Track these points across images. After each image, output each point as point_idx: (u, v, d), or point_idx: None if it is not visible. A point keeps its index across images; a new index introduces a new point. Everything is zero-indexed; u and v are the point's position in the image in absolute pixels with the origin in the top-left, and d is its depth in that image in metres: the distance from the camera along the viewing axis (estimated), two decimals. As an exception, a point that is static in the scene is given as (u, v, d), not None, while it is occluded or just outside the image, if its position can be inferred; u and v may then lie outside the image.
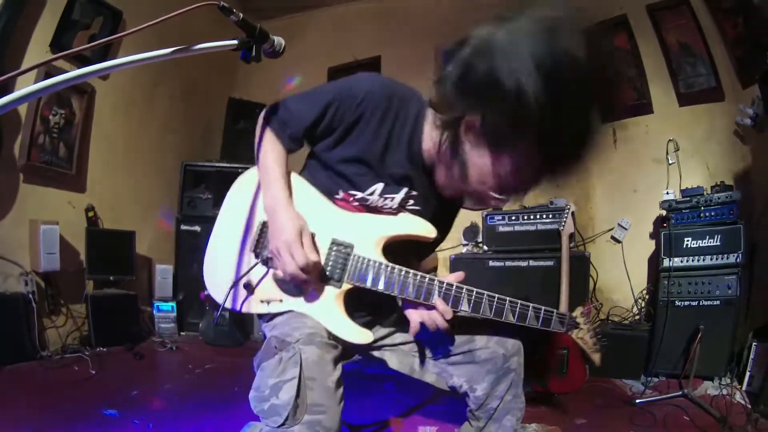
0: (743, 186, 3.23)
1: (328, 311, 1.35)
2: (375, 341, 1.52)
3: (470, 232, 4.35)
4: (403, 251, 1.42)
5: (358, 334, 1.33)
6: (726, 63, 3.57)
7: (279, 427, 1.10)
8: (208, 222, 4.16)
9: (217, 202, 4.29)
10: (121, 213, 4.08)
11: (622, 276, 3.86)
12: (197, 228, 4.35)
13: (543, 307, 1.37)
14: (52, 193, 3.49)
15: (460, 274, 1.37)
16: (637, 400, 2.89)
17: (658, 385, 3.16)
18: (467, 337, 1.47)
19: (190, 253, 4.35)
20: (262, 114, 1.44)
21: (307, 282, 1.33)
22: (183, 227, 4.37)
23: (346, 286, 1.36)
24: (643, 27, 3.94)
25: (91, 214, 3.72)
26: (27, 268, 3.21)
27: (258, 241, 1.42)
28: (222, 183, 4.30)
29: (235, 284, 1.38)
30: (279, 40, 1.21)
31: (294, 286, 1.36)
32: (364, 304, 1.45)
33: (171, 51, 0.97)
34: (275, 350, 1.20)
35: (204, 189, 4.42)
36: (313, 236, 1.36)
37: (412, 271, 1.35)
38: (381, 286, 1.34)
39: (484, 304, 1.34)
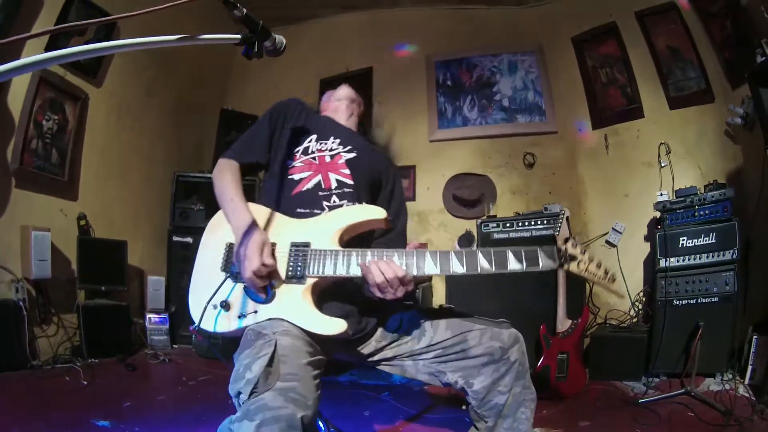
0: (736, 185, 3.26)
1: (299, 309, 1.39)
2: (368, 358, 1.58)
3: (465, 240, 4.35)
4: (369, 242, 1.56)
5: (331, 326, 1.36)
6: (715, 65, 3.64)
7: (249, 396, 1.09)
8: (200, 233, 4.15)
9: (209, 213, 4.27)
10: (113, 222, 4.02)
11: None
12: (189, 239, 4.28)
13: (522, 247, 1.37)
14: (43, 200, 3.43)
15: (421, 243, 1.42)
16: (640, 400, 2.87)
17: (659, 385, 3.15)
18: (459, 336, 1.47)
19: (182, 264, 4.28)
20: (219, 161, 1.71)
21: (273, 286, 1.41)
22: (175, 238, 4.31)
23: (310, 281, 1.42)
24: (632, 33, 4.02)
25: (83, 222, 3.66)
26: (18, 274, 3.14)
27: (226, 261, 1.51)
28: (214, 194, 4.26)
29: (208, 302, 1.41)
30: (280, 39, 1.25)
31: (265, 295, 1.41)
32: (340, 296, 1.51)
33: (177, 38, 0.99)
34: (252, 342, 1.25)
35: (196, 200, 4.38)
36: (273, 245, 1.46)
37: (369, 249, 1.43)
38: (342, 272, 1.41)
39: (453, 260, 1.38)
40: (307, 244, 1.46)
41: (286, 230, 1.51)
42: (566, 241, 1.41)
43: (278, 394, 1.07)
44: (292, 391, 1.09)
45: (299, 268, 1.43)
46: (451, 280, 3.58)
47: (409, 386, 3.18)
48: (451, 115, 4.75)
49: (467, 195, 4.49)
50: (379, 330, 1.58)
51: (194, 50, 4.72)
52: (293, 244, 1.47)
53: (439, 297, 4.07)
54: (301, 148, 1.69)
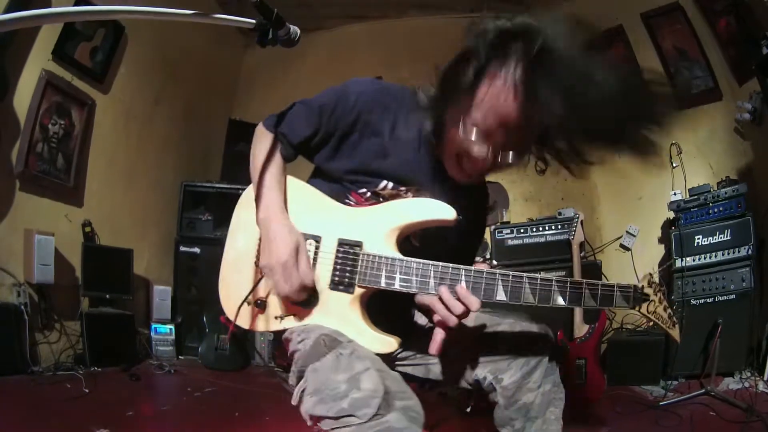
0: (747, 181, 3.24)
1: (347, 320, 1.22)
2: (392, 358, 1.39)
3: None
4: (434, 253, 1.23)
5: (383, 344, 1.20)
6: (721, 63, 3.65)
7: (372, 419, 0.97)
8: (208, 244, 4.23)
9: (217, 223, 4.32)
10: (119, 230, 3.98)
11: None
12: (197, 249, 4.27)
13: (599, 282, 1.18)
14: (48, 205, 3.41)
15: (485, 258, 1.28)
16: (660, 403, 2.82)
17: (678, 387, 3.10)
18: (489, 328, 1.36)
19: (188, 275, 4.27)
20: (259, 125, 1.40)
21: (317, 293, 1.24)
22: (182, 249, 4.28)
23: (358, 291, 1.23)
24: (639, 35, 4.03)
25: (88, 229, 3.63)
26: (20, 278, 3.09)
27: (259, 255, 1.32)
28: (221, 204, 4.28)
29: (242, 303, 1.27)
30: (294, 29, 1.17)
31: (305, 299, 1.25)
32: (384, 306, 1.30)
33: (191, 13, 0.94)
34: (326, 349, 1.10)
35: (203, 210, 4.36)
36: (317, 240, 1.27)
37: (431, 262, 1.19)
38: (397, 285, 1.20)
39: (525, 289, 1.16)
40: (358, 244, 1.24)
41: (332, 221, 1.28)
42: (648, 282, 1.26)
43: (402, 414, 0.98)
44: (412, 410, 1.00)
45: (347, 276, 1.23)
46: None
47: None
48: (462, 123, 4.73)
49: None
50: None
51: (202, 60, 4.80)
52: (341, 243, 1.25)
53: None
54: (368, 193, 1.36)
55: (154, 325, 4.01)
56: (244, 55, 5.53)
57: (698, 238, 3.25)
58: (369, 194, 1.32)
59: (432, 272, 1.18)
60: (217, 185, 4.42)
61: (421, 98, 1.27)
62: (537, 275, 1.17)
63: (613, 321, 3.78)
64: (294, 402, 1.12)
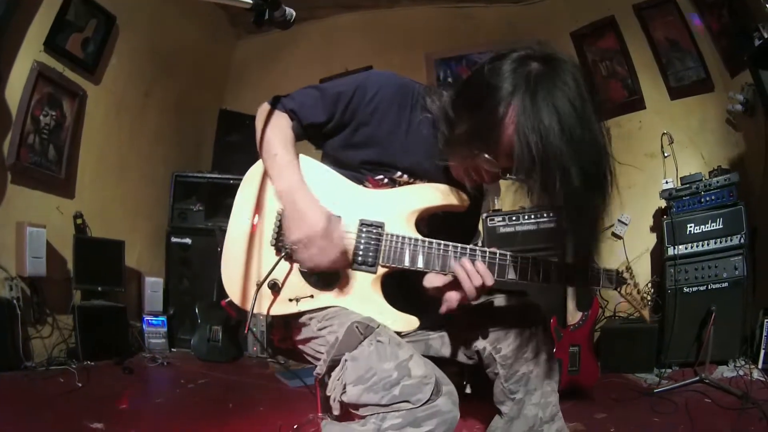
0: (739, 171, 3.26)
1: (367, 300, 1.24)
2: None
3: (471, 236, 4.31)
4: (442, 232, 1.31)
5: (403, 323, 1.24)
6: (713, 54, 3.68)
7: (425, 404, 1.01)
8: (199, 234, 4.19)
9: (209, 214, 4.28)
10: (110, 222, 3.93)
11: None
12: (188, 240, 4.24)
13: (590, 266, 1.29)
14: (39, 197, 3.36)
15: None
16: (655, 390, 2.84)
17: (672, 375, 3.12)
18: (485, 299, 1.39)
19: (180, 266, 4.24)
20: (264, 105, 1.37)
21: (338, 272, 1.25)
22: (173, 240, 4.25)
23: (381, 270, 1.25)
24: (631, 26, 4.05)
25: (79, 221, 3.57)
26: (12, 272, 3.04)
27: (277, 235, 1.30)
28: (213, 194, 4.24)
29: (260, 285, 1.24)
30: (290, 11, 1.19)
31: (323, 278, 1.26)
32: (401, 287, 1.33)
33: None
34: (361, 336, 1.11)
35: (195, 201, 4.32)
36: (339, 220, 1.26)
37: (450, 243, 1.25)
38: (420, 264, 1.24)
39: (531, 269, 1.24)
40: (380, 225, 1.26)
41: (351, 201, 1.29)
42: (626, 268, 1.42)
43: (448, 399, 1.04)
44: (454, 395, 1.07)
45: (371, 255, 1.25)
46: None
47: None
48: (453, 112, 4.75)
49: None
50: None
51: (193, 51, 4.76)
52: (363, 224, 1.27)
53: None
54: (385, 179, 1.39)
55: (146, 318, 3.97)
56: (235, 47, 5.47)
57: (690, 227, 3.27)
58: (386, 180, 1.34)
59: (452, 252, 1.23)
60: (208, 175, 4.38)
61: (431, 105, 1.30)
62: (539, 258, 1.24)
63: (606, 309, 3.81)
64: (330, 393, 1.13)
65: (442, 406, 1.02)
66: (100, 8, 3.65)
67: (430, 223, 1.36)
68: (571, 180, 1.00)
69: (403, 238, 1.25)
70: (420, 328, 1.31)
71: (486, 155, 1.14)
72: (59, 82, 3.42)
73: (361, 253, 1.26)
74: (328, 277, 1.26)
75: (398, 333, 1.20)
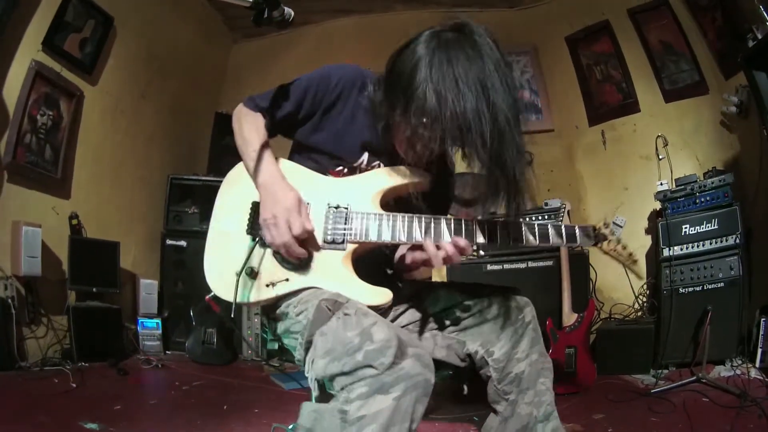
0: (734, 173, 3.27)
1: (341, 277, 1.28)
2: None
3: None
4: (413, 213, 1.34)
5: (377, 295, 1.26)
6: (708, 57, 3.71)
7: (389, 368, 0.99)
8: (195, 237, 4.17)
9: (204, 216, 4.26)
10: (105, 223, 3.92)
11: (621, 273, 3.81)
12: (183, 243, 4.22)
13: (562, 223, 1.37)
14: (35, 197, 3.35)
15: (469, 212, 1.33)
16: (652, 390, 2.83)
17: (669, 375, 3.10)
18: (475, 298, 1.40)
19: (175, 268, 4.21)
20: (239, 107, 1.48)
21: (310, 253, 1.28)
22: (168, 242, 4.23)
23: (351, 247, 1.31)
24: (625, 30, 4.09)
25: (74, 222, 3.56)
26: (7, 271, 3.03)
27: (251, 223, 1.36)
28: (208, 197, 4.15)
29: (239, 274, 1.28)
30: (289, 11, 1.24)
31: (298, 261, 1.29)
32: (371, 264, 1.38)
33: None
34: (330, 312, 1.13)
35: (190, 203, 4.32)
36: (307, 206, 1.33)
37: (415, 215, 1.29)
38: (387, 237, 1.29)
39: (500, 232, 1.29)
40: (346, 207, 1.33)
41: (318, 190, 1.37)
42: (603, 224, 1.42)
43: (416, 361, 1.02)
44: (423, 357, 1.05)
45: (338, 233, 1.31)
46: (453, 274, 3.52)
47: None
48: (448, 116, 4.77)
49: (467, 194, 4.46)
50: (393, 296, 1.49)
51: (190, 54, 4.78)
52: (330, 206, 1.34)
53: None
54: (345, 170, 1.47)
55: (140, 320, 3.95)
56: (231, 50, 5.50)
57: (685, 228, 3.28)
58: (346, 170, 1.43)
59: (416, 223, 1.29)
60: (203, 178, 4.38)
61: (371, 91, 1.38)
62: (508, 220, 1.28)
63: (601, 311, 3.82)
64: (307, 372, 1.14)
65: (409, 369, 1.00)
66: (98, 9, 3.66)
67: (398, 206, 1.40)
68: (487, 130, 1.08)
69: (368, 214, 1.32)
70: (395, 303, 1.37)
71: (418, 126, 1.18)
72: (57, 81, 3.43)
73: (329, 232, 1.32)
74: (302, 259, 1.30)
75: (376, 308, 1.22)
